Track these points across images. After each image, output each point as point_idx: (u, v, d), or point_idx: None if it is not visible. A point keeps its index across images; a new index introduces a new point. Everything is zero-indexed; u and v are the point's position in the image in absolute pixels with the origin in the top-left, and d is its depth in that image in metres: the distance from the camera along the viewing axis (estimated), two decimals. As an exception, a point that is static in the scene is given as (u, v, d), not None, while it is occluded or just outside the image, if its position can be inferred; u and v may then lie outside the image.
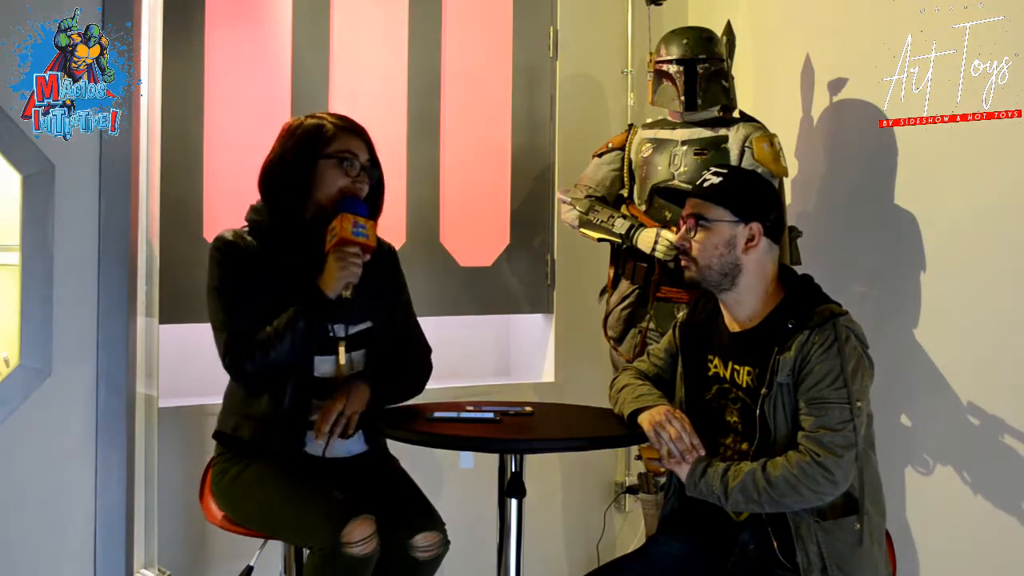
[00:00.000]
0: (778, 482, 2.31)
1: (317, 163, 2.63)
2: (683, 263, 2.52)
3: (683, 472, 2.42)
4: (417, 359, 2.83)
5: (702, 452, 2.42)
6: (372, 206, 2.71)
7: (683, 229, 2.51)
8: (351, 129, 2.69)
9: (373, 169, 2.71)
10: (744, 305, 2.49)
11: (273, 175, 2.67)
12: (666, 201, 3.38)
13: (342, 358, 2.64)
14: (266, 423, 2.64)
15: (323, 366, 2.67)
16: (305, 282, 2.60)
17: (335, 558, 2.45)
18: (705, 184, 2.50)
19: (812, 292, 2.49)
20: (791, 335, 2.39)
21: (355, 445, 2.73)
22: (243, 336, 2.58)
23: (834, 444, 2.31)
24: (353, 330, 2.70)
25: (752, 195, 2.50)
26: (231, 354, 2.59)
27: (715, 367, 2.54)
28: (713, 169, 2.54)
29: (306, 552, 2.77)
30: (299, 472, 2.63)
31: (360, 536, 2.46)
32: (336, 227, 2.58)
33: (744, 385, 2.47)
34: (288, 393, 2.63)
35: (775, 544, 2.39)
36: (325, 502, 2.53)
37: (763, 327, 2.46)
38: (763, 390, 2.40)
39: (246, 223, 2.71)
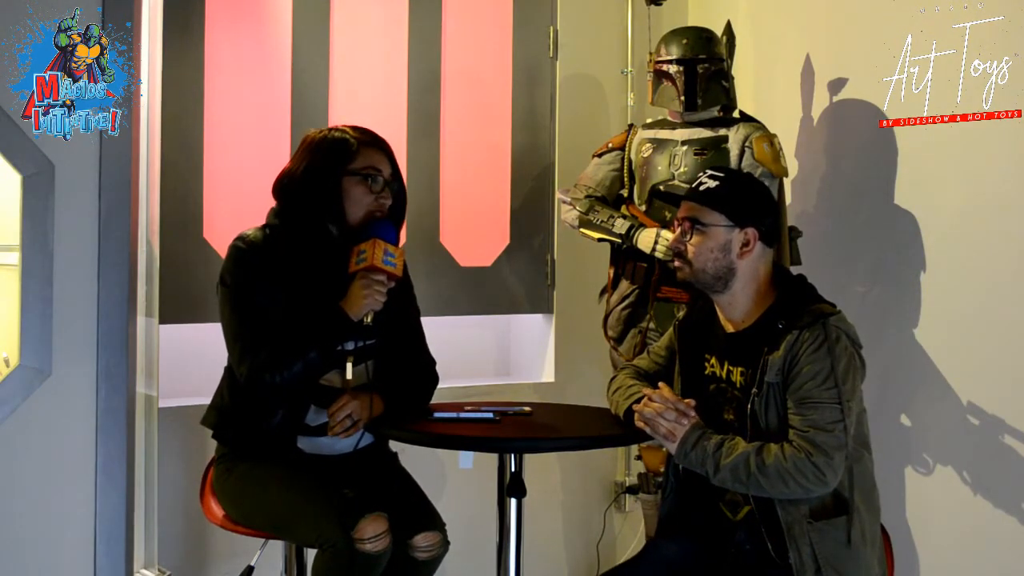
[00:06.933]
0: (769, 471, 2.31)
1: (342, 179, 2.62)
2: (677, 264, 2.52)
3: (675, 446, 2.41)
4: (426, 374, 2.84)
5: (692, 415, 2.41)
6: (396, 220, 2.71)
7: (678, 232, 2.51)
8: (374, 143, 2.69)
9: (395, 182, 2.71)
10: (737, 306, 2.50)
11: (294, 186, 2.66)
12: (664, 203, 3.38)
13: (349, 372, 2.63)
14: (258, 426, 2.64)
15: (329, 376, 2.67)
16: (325, 295, 2.59)
17: (346, 556, 2.45)
18: (701, 188, 2.49)
19: (805, 292, 2.49)
20: (781, 335, 2.39)
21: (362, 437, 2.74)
22: (263, 347, 2.56)
23: (826, 445, 2.31)
24: (361, 344, 2.69)
25: (748, 200, 2.49)
26: (249, 364, 2.56)
27: (712, 366, 2.54)
28: (709, 172, 2.53)
29: (307, 552, 2.77)
30: (305, 470, 2.63)
31: (373, 532, 2.46)
32: (367, 252, 2.56)
33: (738, 385, 2.47)
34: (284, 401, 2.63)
35: (769, 545, 2.39)
36: (335, 499, 2.53)
37: (756, 328, 2.46)
38: (753, 390, 2.40)
39: (267, 225, 2.69)
